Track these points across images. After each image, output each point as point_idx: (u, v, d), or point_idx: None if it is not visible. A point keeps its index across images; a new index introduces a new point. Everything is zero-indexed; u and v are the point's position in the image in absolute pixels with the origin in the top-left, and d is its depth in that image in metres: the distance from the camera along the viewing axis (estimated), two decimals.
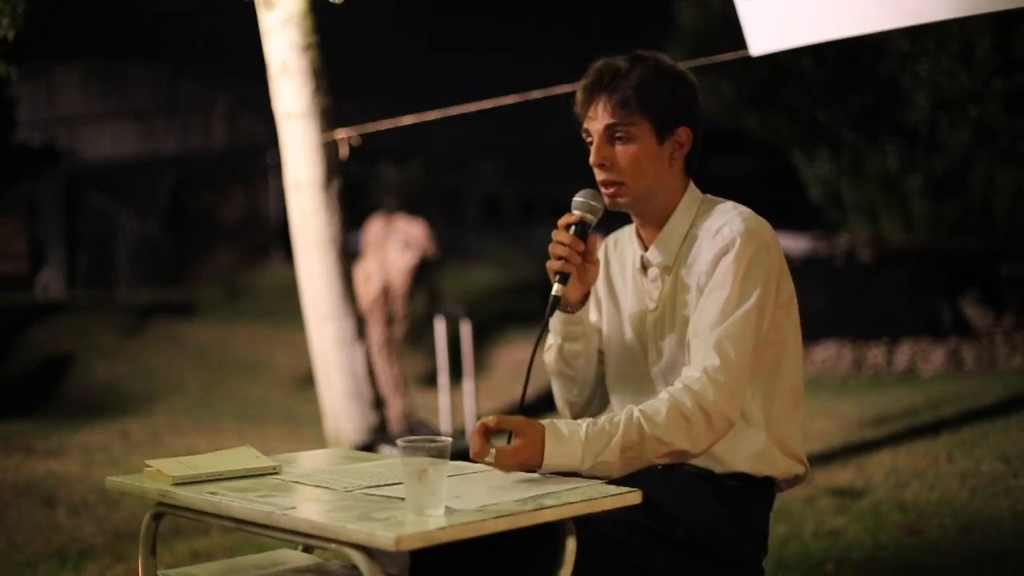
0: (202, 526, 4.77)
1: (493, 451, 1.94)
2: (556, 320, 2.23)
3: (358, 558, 1.67)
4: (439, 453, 1.71)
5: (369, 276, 7.83)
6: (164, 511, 2.04)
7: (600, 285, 2.31)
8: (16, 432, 8.26)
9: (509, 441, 1.95)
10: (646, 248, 2.19)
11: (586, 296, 2.22)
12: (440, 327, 7.41)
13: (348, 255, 5.51)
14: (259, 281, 17.55)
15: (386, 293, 7.87)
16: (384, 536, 1.60)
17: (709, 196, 2.21)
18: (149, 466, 2.06)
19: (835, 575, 4.01)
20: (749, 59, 3.83)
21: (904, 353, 10.19)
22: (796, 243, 11.73)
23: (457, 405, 7.54)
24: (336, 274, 5.39)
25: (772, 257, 2.05)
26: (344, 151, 5.34)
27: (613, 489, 1.88)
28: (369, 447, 5.23)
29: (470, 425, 7.09)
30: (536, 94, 4.43)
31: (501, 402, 9.03)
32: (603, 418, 1.99)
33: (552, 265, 2.13)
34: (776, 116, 12.83)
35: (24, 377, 11.38)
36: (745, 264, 2.01)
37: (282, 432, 8.31)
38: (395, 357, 7.90)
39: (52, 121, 23.49)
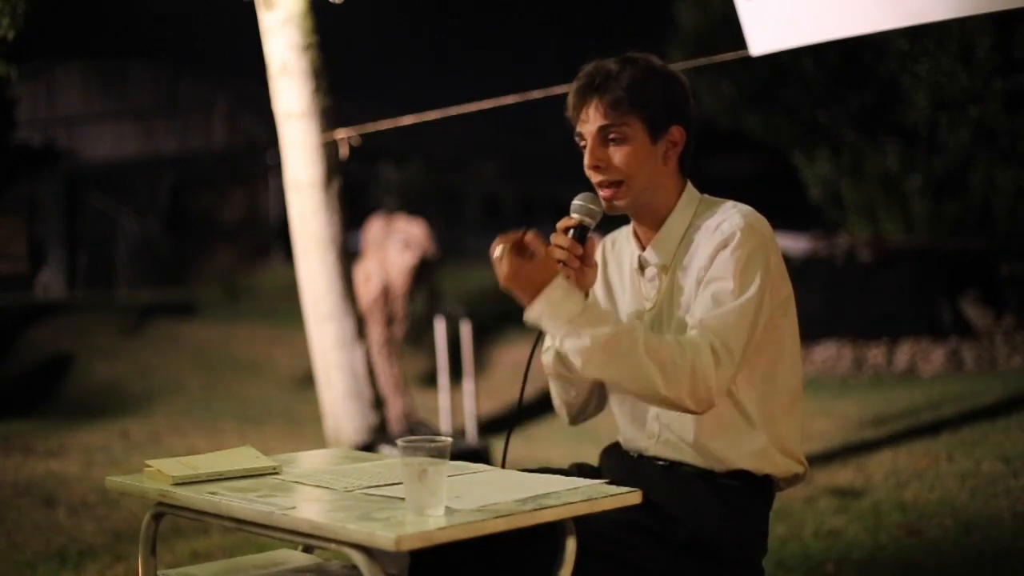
0: (202, 526, 4.78)
1: (504, 249, 1.97)
2: None
3: (358, 558, 1.67)
4: (439, 453, 1.71)
5: (369, 276, 7.83)
6: (164, 511, 2.04)
7: (598, 285, 2.31)
8: (16, 432, 8.26)
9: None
10: (644, 248, 2.19)
11: (584, 299, 2.22)
12: (440, 327, 7.40)
13: (348, 255, 5.51)
14: (259, 281, 17.55)
15: (386, 293, 7.88)
16: (384, 536, 1.60)
17: (707, 196, 2.20)
18: (149, 466, 2.06)
19: (835, 575, 4.01)
20: (749, 59, 3.83)
21: (904, 353, 10.19)
22: (796, 243, 11.74)
23: (457, 405, 7.54)
24: (336, 274, 5.39)
25: (770, 253, 2.05)
26: (344, 151, 5.34)
27: (613, 489, 1.88)
28: (369, 447, 5.23)
29: (470, 425, 7.09)
30: (536, 94, 4.43)
31: (501, 402, 9.03)
32: (609, 312, 1.98)
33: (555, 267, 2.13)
34: (776, 116, 12.84)
35: (24, 377, 11.38)
36: (744, 257, 2.01)
37: (282, 432, 8.31)
38: (395, 357, 7.90)
39: (52, 121, 23.49)
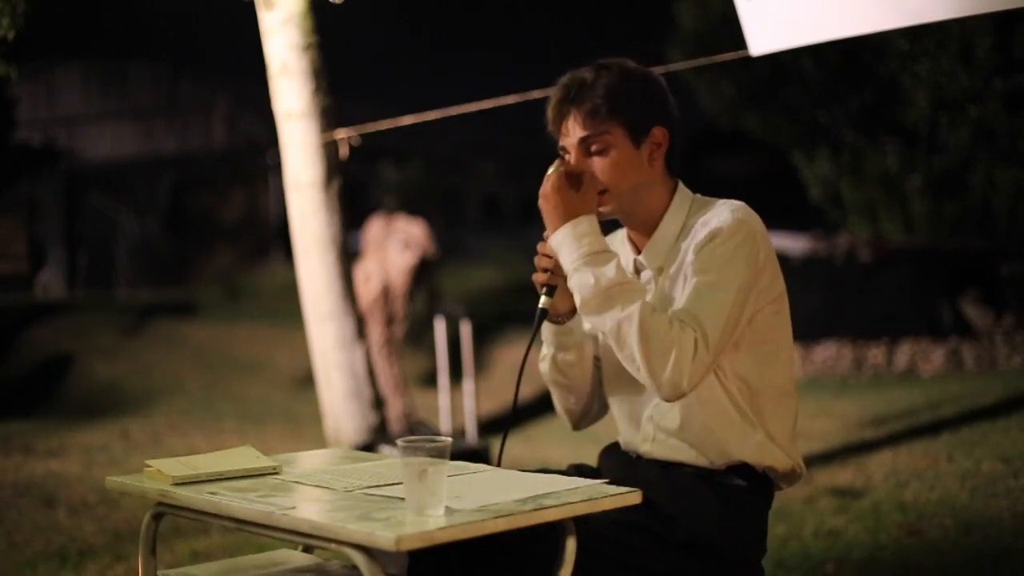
0: (202, 526, 4.78)
1: (555, 168, 2.08)
2: (548, 331, 2.23)
3: (358, 558, 1.67)
4: (439, 453, 1.71)
5: (369, 276, 7.83)
6: (164, 511, 2.04)
7: None
8: (16, 432, 8.26)
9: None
10: (639, 252, 2.19)
11: (576, 307, 2.22)
12: (440, 327, 7.40)
13: (348, 255, 5.51)
14: (259, 281, 17.55)
15: (386, 293, 7.88)
16: (384, 536, 1.60)
17: (700, 196, 2.19)
18: (149, 466, 2.06)
19: (835, 575, 4.01)
20: (749, 59, 3.83)
21: (904, 353, 10.19)
22: (796, 243, 11.74)
23: (457, 405, 7.54)
24: (336, 274, 5.39)
25: (759, 246, 2.04)
26: (344, 151, 5.34)
27: (613, 489, 1.88)
28: (369, 447, 5.23)
29: (470, 425, 7.09)
30: (536, 94, 4.43)
31: (501, 402, 9.03)
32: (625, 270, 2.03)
33: (538, 278, 2.13)
34: (776, 116, 12.84)
35: (24, 377, 11.38)
36: (730, 250, 2.00)
37: (282, 432, 8.31)
38: (395, 357, 7.90)
39: (52, 121, 23.49)
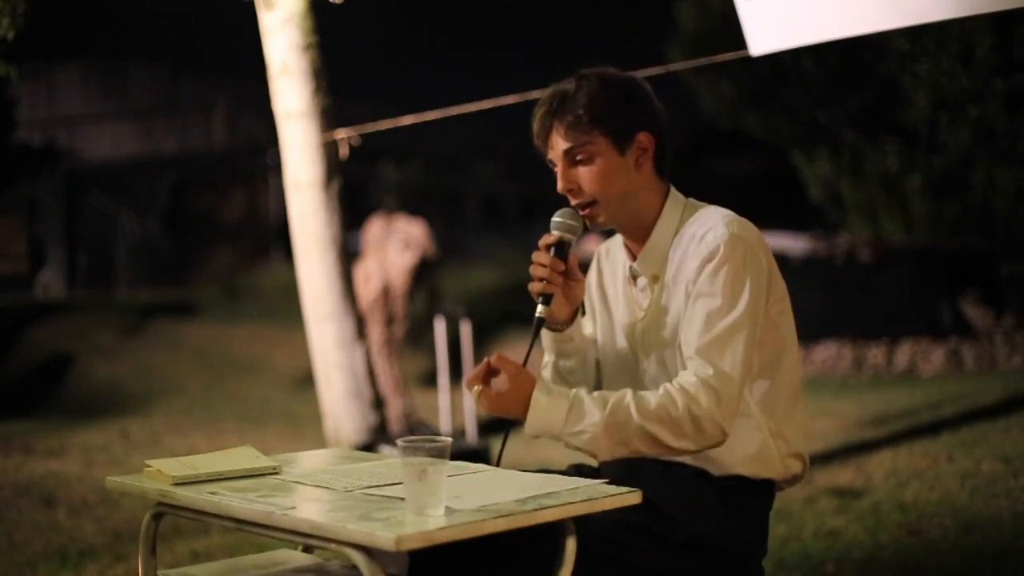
0: (202, 526, 4.77)
1: (478, 388, 1.98)
2: (548, 339, 2.23)
3: (358, 558, 1.67)
4: (439, 453, 1.71)
5: (369, 276, 7.83)
6: (164, 511, 2.04)
7: (594, 295, 2.31)
8: (16, 432, 8.26)
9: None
10: (634, 258, 2.19)
11: (575, 313, 2.22)
12: (440, 327, 7.40)
13: (348, 255, 5.51)
14: (259, 281, 17.55)
15: (386, 293, 7.87)
16: (384, 536, 1.60)
17: (692, 200, 2.19)
18: (149, 466, 2.06)
19: (835, 575, 4.01)
20: (749, 59, 3.83)
21: (904, 353, 10.19)
22: (796, 243, 11.74)
23: (457, 405, 7.54)
24: (336, 274, 5.39)
25: (759, 260, 2.04)
26: (344, 151, 5.34)
27: (613, 489, 1.88)
28: (369, 447, 5.23)
29: (470, 425, 7.09)
30: (536, 94, 4.42)
31: None
32: (597, 393, 1.99)
33: (534, 287, 2.13)
34: (776, 116, 12.85)
35: (24, 377, 11.38)
36: (732, 270, 2.00)
37: (282, 432, 8.31)
38: (395, 357, 7.90)
39: (52, 121, 23.50)
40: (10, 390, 10.71)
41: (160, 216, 22.86)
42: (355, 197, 5.89)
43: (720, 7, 11.11)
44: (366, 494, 1.88)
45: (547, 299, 2.13)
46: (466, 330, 7.28)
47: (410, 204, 10.65)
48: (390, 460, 2.21)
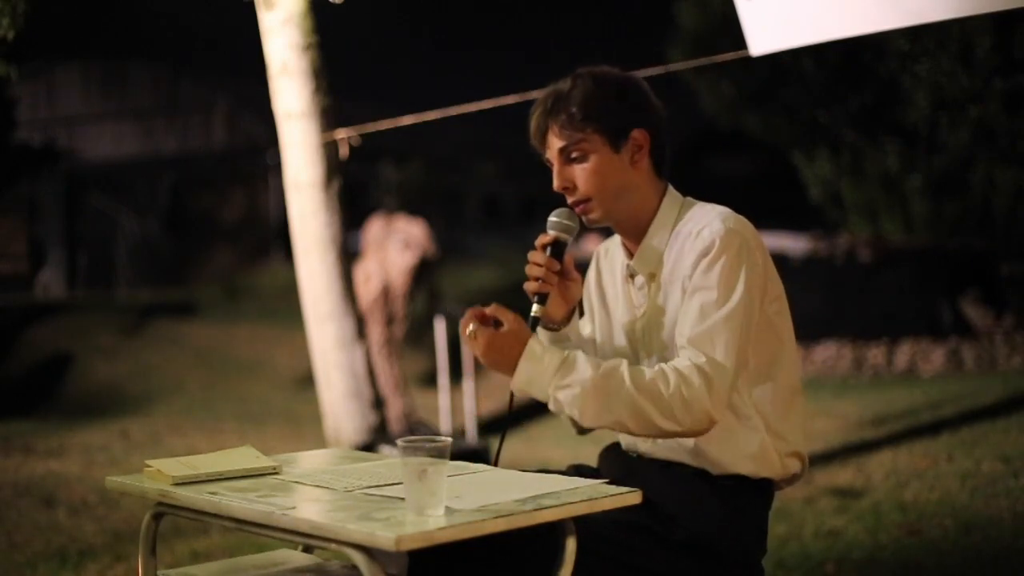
0: (202, 526, 4.78)
1: (472, 328, 2.01)
2: (544, 338, 2.23)
3: (358, 558, 1.67)
4: (439, 453, 1.71)
5: (369, 276, 7.83)
6: (164, 511, 2.04)
7: (593, 294, 2.31)
8: (16, 432, 8.27)
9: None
10: (631, 256, 2.19)
11: (571, 313, 2.22)
12: (440, 327, 7.40)
13: (348, 255, 5.51)
14: (259, 281, 17.55)
15: (386, 293, 7.88)
16: (384, 536, 1.60)
17: (690, 199, 2.19)
18: (149, 466, 2.06)
19: (835, 575, 4.02)
20: (749, 59, 3.83)
21: (904, 353, 10.19)
22: (796, 243, 11.74)
23: (457, 405, 7.54)
24: (336, 274, 5.39)
25: (754, 256, 2.03)
26: (344, 151, 5.34)
27: (613, 489, 1.88)
28: (369, 447, 5.23)
29: (470, 425, 7.09)
30: (536, 94, 4.42)
31: (501, 402, 9.03)
32: (590, 356, 2.00)
33: (529, 287, 2.13)
34: (776, 116, 12.85)
35: (24, 377, 11.38)
36: (727, 264, 2.00)
37: (282, 432, 8.31)
38: (395, 357, 7.90)
39: (52, 121, 23.50)
40: (10, 390, 10.71)
41: (160, 216, 22.86)
42: (355, 197, 5.89)
43: (720, 7, 11.11)
44: (366, 494, 1.88)
45: (542, 298, 2.13)
46: None
47: (410, 204, 10.66)
48: (390, 460, 2.21)
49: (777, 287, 2.10)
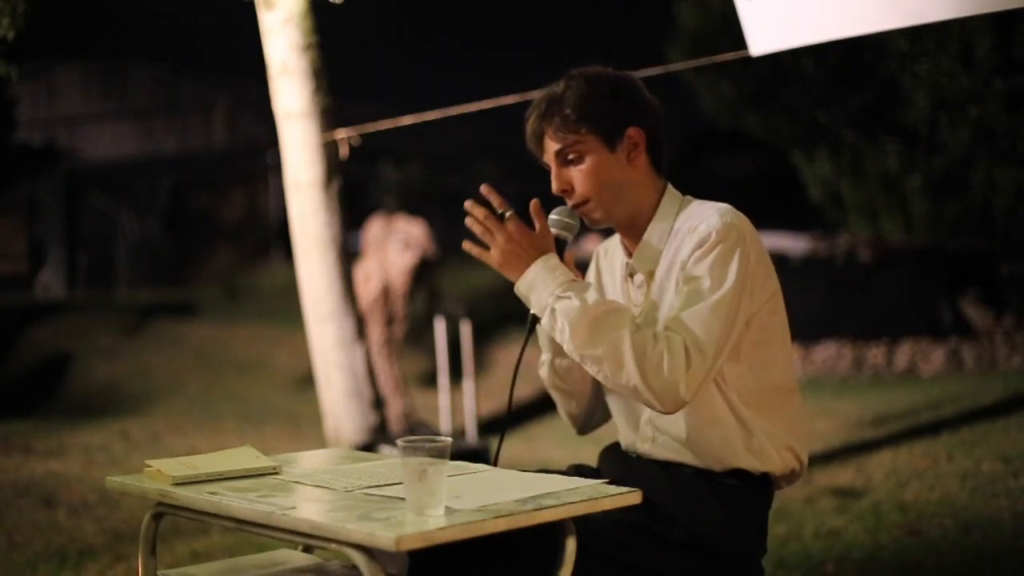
0: (202, 526, 4.78)
1: (510, 212, 2.08)
2: (544, 337, 2.24)
3: (358, 558, 1.67)
4: (439, 453, 1.71)
5: (369, 276, 7.83)
6: (164, 511, 2.04)
7: None
8: (16, 432, 8.26)
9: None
10: (631, 255, 2.19)
11: None
12: (440, 327, 7.40)
13: (348, 255, 5.51)
14: (259, 281, 17.55)
15: (386, 293, 7.88)
16: (384, 536, 1.60)
17: (689, 197, 2.19)
18: (149, 466, 2.06)
19: (835, 575, 4.02)
20: (749, 59, 3.83)
21: (904, 353, 10.19)
22: (796, 243, 11.74)
23: (457, 405, 7.54)
24: (336, 274, 5.39)
25: (749, 250, 2.03)
26: (344, 151, 5.34)
27: (613, 489, 1.88)
28: (369, 447, 5.23)
29: (470, 425, 7.09)
30: (536, 94, 4.42)
31: (501, 402, 9.03)
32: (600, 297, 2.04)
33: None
34: (776, 116, 12.84)
35: (24, 377, 11.38)
36: (720, 255, 2.00)
37: (282, 432, 8.31)
38: (395, 357, 7.90)
39: (52, 121, 23.49)
40: (10, 390, 10.71)
41: (160, 216, 22.85)
42: (355, 197, 5.88)
43: (720, 7, 11.11)
44: (366, 494, 1.88)
45: None
46: (466, 330, 7.28)
47: (410, 204, 10.64)
48: (390, 460, 2.21)
49: (773, 285, 2.10)
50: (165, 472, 2.01)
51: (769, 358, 2.10)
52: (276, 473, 2.08)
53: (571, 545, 1.81)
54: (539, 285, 2.02)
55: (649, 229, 2.15)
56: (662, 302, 2.09)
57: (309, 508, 1.81)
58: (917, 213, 11.97)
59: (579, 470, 2.21)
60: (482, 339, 10.75)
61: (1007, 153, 11.33)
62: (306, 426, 8.16)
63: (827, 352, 10.44)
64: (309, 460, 2.29)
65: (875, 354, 10.27)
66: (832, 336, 10.52)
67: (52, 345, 12.23)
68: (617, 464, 2.22)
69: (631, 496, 1.87)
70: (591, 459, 2.36)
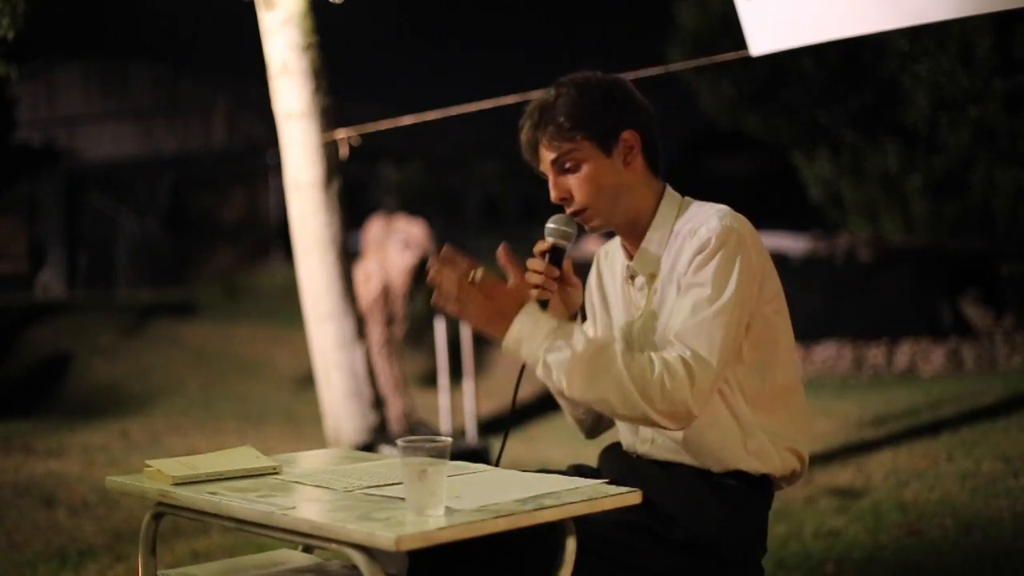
0: (202, 526, 4.78)
1: (480, 273, 1.97)
2: None
3: (358, 558, 1.67)
4: (439, 453, 1.71)
5: (369, 276, 7.83)
6: (164, 511, 2.04)
7: (594, 296, 2.31)
8: (16, 432, 8.27)
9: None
10: (631, 257, 2.19)
11: (572, 319, 2.21)
12: (440, 327, 7.40)
13: (348, 255, 5.51)
14: (259, 281, 17.55)
15: (386, 293, 7.88)
16: (384, 536, 1.60)
17: (688, 198, 2.19)
18: (149, 466, 2.06)
19: (835, 575, 4.02)
20: (749, 59, 3.83)
21: (904, 353, 10.19)
22: (796, 243, 11.74)
23: (457, 405, 7.54)
24: (336, 274, 5.39)
25: (750, 253, 2.02)
26: (344, 151, 5.34)
27: (613, 489, 1.88)
28: (369, 447, 5.23)
29: (470, 425, 7.09)
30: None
31: (501, 402, 9.03)
32: (587, 332, 2.00)
33: (529, 293, 2.13)
34: (776, 116, 12.85)
35: (24, 377, 11.38)
36: (722, 260, 1.99)
37: (282, 432, 8.31)
38: (395, 357, 7.90)
39: (52, 121, 23.50)
40: (10, 390, 10.71)
41: (160, 216, 22.86)
42: (355, 197, 5.89)
43: (720, 7, 11.12)
44: (366, 494, 1.88)
45: (543, 305, 2.12)
46: (466, 330, 7.28)
47: (410, 204, 10.65)
48: (390, 460, 2.21)
49: (775, 285, 2.10)
50: (165, 472, 2.00)
51: (773, 358, 2.10)
52: (276, 473, 2.08)
53: (571, 545, 1.81)
54: (526, 339, 1.98)
55: (650, 231, 2.14)
56: (663, 308, 2.08)
57: (309, 508, 1.81)
58: (917, 213, 11.98)
59: (579, 470, 2.21)
60: (482, 339, 10.74)
61: (1007, 153, 11.34)
62: (306, 426, 8.17)
63: (827, 352, 10.45)
64: (309, 460, 2.29)
65: (875, 354, 10.27)
66: (832, 336, 10.52)
67: (52, 345, 12.23)
68: (617, 464, 2.22)
69: (631, 496, 1.86)
70: (591, 459, 2.36)
